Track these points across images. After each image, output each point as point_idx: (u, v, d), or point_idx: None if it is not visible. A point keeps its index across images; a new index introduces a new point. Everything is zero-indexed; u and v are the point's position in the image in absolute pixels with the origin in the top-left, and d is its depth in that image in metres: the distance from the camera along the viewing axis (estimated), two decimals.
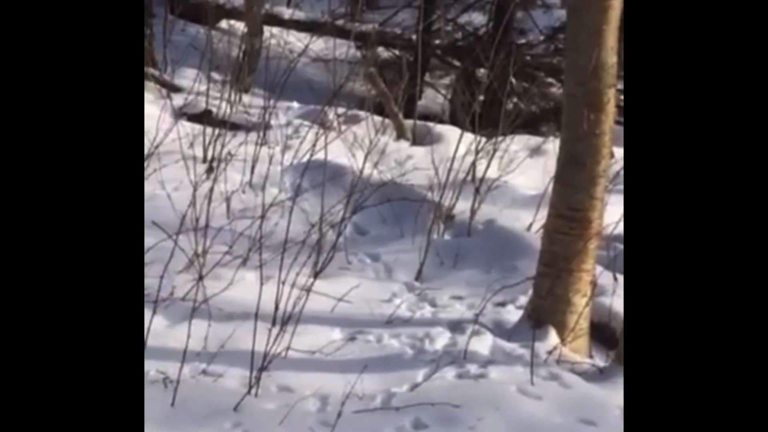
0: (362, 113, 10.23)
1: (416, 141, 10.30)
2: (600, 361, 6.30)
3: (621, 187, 6.40)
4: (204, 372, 5.73)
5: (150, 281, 6.40)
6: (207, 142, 8.87)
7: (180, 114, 9.79)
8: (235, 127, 9.43)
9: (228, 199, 7.91)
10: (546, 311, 6.43)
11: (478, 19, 14.33)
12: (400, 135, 10.38)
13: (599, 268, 6.76)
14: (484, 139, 8.90)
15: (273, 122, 9.75)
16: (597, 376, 6.04)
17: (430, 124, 10.45)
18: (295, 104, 10.86)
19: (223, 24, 12.42)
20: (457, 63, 13.34)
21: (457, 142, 8.81)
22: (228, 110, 9.82)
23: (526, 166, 9.24)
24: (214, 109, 9.84)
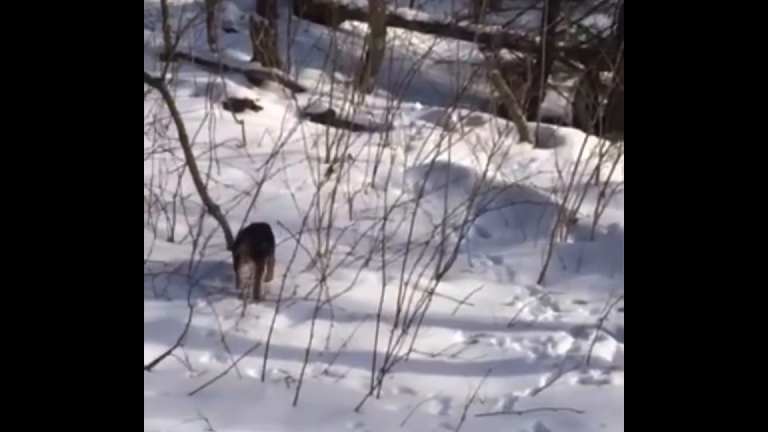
0: (485, 115, 10.17)
1: (539, 144, 10.22)
2: None
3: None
4: (326, 372, 5.76)
5: (274, 281, 6.49)
6: (330, 142, 8.91)
7: (303, 114, 9.85)
8: (358, 127, 9.46)
9: (350, 200, 7.94)
10: None
11: (602, 21, 14.16)
12: (523, 137, 10.30)
13: None
14: (608, 143, 8.78)
15: (396, 123, 9.75)
16: None
17: (554, 127, 10.35)
18: (418, 105, 10.85)
19: (347, 25, 12.48)
20: (580, 65, 13.20)
21: (581, 145, 8.71)
22: (351, 111, 9.85)
23: None
24: (337, 110, 9.87)
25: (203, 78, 10.08)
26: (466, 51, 11.84)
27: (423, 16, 12.90)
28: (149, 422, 4.95)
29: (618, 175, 8.61)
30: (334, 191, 7.56)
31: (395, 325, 5.96)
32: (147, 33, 10.60)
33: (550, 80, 12.97)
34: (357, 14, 12.41)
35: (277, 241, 6.68)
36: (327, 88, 10.00)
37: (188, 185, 7.59)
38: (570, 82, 13.66)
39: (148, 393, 5.27)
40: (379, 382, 5.55)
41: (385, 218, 6.62)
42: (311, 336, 5.60)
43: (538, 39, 11.72)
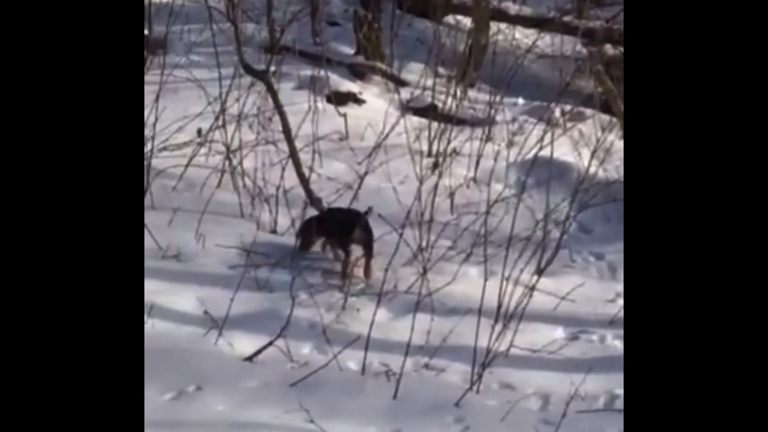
0: (588, 111, 10.07)
1: None
2: None
3: None
4: (426, 366, 5.77)
5: (375, 274, 6.51)
6: (432, 136, 8.91)
7: (406, 108, 9.85)
8: (460, 122, 9.45)
9: (452, 194, 7.93)
10: None
11: None
12: None
13: None
14: None
15: (498, 118, 9.71)
16: None
17: None
18: (521, 100, 10.78)
19: (450, 19, 12.43)
20: None
21: None
22: (453, 105, 9.84)
23: None
24: (440, 104, 9.86)
25: (307, 71, 10.13)
26: (570, 46, 11.73)
27: (526, 10, 12.80)
28: (250, 413, 5.03)
29: None
30: (436, 185, 7.56)
31: (496, 320, 5.94)
32: (251, 26, 10.69)
33: None
34: (460, 9, 12.35)
35: (378, 234, 6.70)
36: (430, 82, 9.99)
37: (291, 178, 7.66)
38: None
39: (250, 383, 5.34)
40: (479, 377, 5.55)
41: (487, 213, 6.60)
42: (412, 329, 5.61)
43: None
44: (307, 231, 6.91)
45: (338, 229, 6.85)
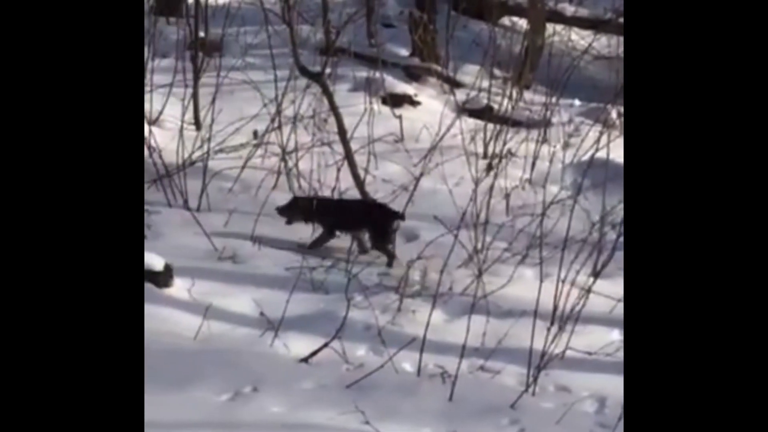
0: None
1: None
2: None
3: None
4: (482, 368, 5.75)
5: (430, 276, 6.51)
6: (488, 138, 8.90)
7: (461, 110, 9.85)
8: (515, 123, 9.42)
9: (508, 196, 7.91)
10: None
11: None
12: None
13: None
14: None
15: (554, 120, 9.68)
16: None
17: None
18: (577, 102, 10.74)
19: (506, 21, 12.41)
20: None
21: None
22: (509, 107, 9.81)
23: None
24: (495, 106, 9.85)
25: (362, 73, 10.16)
26: None
27: (583, 12, 12.76)
28: (305, 414, 5.04)
29: None
30: (492, 187, 7.54)
31: (551, 323, 5.91)
32: (307, 28, 10.72)
33: None
34: (516, 10, 12.33)
35: (433, 236, 6.68)
36: (485, 83, 9.98)
37: (346, 179, 7.68)
38: None
39: (305, 385, 5.35)
40: (535, 380, 5.52)
41: (542, 214, 6.58)
42: (467, 331, 5.60)
43: None
44: (298, 209, 7.19)
45: (352, 219, 7.19)
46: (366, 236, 7.11)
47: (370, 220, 7.12)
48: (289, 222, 7.19)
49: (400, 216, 7.13)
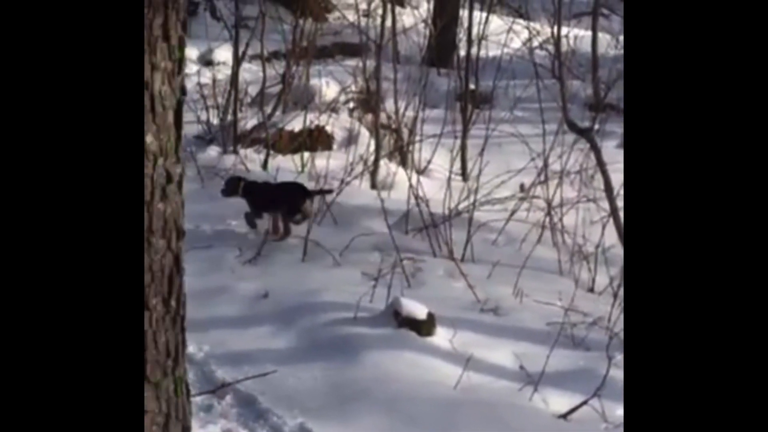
0: None
1: None
2: None
3: None
4: None
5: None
6: None
7: None
8: None
9: None
10: None
11: None
12: None
13: None
14: None
15: None
16: None
17: None
18: None
19: None
20: None
21: None
22: None
23: None
24: None
25: None
26: None
27: None
28: None
29: None
30: None
31: None
32: (577, 83, 10.75)
33: None
34: None
35: None
36: None
37: (611, 236, 7.63)
38: None
39: None
40: None
41: None
42: None
43: None
44: (234, 188, 7.91)
45: (285, 200, 7.84)
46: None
47: (285, 199, 7.82)
48: (227, 195, 7.95)
49: (315, 194, 7.97)
